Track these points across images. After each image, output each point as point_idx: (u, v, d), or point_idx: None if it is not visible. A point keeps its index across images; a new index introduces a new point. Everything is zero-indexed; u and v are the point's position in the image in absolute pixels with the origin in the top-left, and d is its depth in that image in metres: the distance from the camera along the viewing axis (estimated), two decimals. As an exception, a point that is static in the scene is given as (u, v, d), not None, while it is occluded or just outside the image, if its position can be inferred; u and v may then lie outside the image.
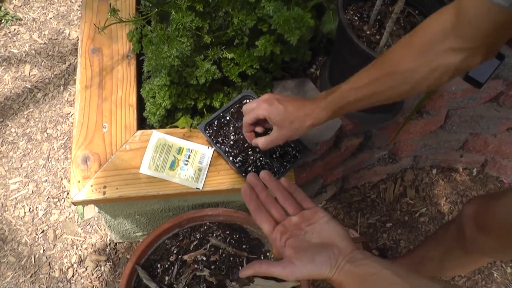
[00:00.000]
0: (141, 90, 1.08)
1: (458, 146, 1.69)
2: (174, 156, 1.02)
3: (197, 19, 0.87)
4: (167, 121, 1.12)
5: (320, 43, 1.33)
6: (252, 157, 1.01)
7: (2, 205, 1.56)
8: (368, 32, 1.07)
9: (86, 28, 1.16)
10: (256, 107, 0.91)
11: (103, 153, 1.01)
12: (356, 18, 1.06)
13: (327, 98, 0.84)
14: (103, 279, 1.47)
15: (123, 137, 1.03)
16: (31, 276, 1.46)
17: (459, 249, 1.10)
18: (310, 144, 1.12)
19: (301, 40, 1.07)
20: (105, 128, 1.04)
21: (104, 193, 0.97)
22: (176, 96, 1.04)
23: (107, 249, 1.51)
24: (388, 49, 0.76)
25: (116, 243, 1.52)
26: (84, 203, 0.98)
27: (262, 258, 1.17)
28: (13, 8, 1.96)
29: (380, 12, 1.05)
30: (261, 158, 1.01)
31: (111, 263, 1.49)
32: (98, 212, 1.18)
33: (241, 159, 1.00)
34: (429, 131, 1.56)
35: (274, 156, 1.02)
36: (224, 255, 1.16)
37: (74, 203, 0.97)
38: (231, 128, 1.04)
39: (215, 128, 1.04)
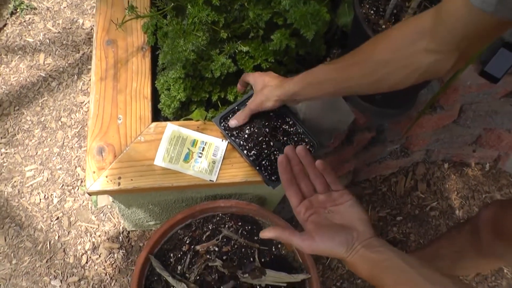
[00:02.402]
0: (155, 82, 1.08)
1: (471, 140, 1.68)
2: (189, 149, 1.03)
3: (213, 13, 0.88)
4: (182, 113, 1.13)
5: (334, 35, 1.32)
6: (266, 151, 1.01)
7: (18, 191, 1.59)
8: (384, 26, 1.06)
9: (101, 20, 1.17)
10: (251, 73, 0.99)
11: (118, 144, 1.02)
12: (372, 11, 1.06)
13: (303, 73, 0.86)
14: (116, 266, 1.50)
15: (137, 129, 1.04)
16: (46, 262, 1.50)
17: (473, 251, 1.10)
18: (324, 138, 1.12)
19: (316, 34, 1.07)
20: (120, 119, 1.05)
21: (119, 184, 0.98)
22: (191, 89, 1.05)
23: (120, 237, 1.54)
24: (367, 41, 0.77)
25: (129, 231, 1.54)
26: (99, 193, 0.99)
27: (274, 249, 1.19)
28: (28, -4, 1.97)
29: (397, 6, 1.04)
30: (275, 152, 1.02)
31: (124, 251, 1.52)
32: (112, 201, 1.20)
33: (255, 152, 1.01)
34: (442, 125, 1.55)
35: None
36: (236, 246, 1.17)
37: (90, 194, 0.99)
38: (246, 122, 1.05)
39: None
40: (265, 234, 0.74)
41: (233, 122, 1.01)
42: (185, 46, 0.85)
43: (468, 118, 1.55)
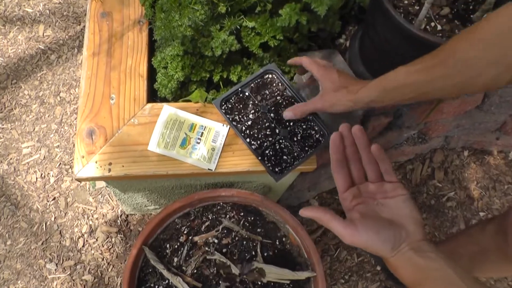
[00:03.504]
0: (152, 59, 0.99)
1: (495, 127, 1.56)
2: (186, 133, 0.94)
3: (214, -17, 0.77)
4: (181, 93, 1.03)
5: (351, 11, 1.20)
6: (271, 139, 0.92)
7: (14, 169, 1.53)
8: (406, 2, 0.95)
9: (95, -12, 1.07)
10: (314, 61, 0.89)
11: (110, 127, 0.93)
12: (394, -15, 0.94)
13: (378, 78, 0.78)
14: (113, 251, 1.43)
15: (131, 110, 0.95)
16: (42, 244, 1.44)
17: (497, 253, 1.00)
18: (335, 125, 1.02)
19: (330, 9, 0.96)
20: (112, 99, 0.96)
21: (109, 170, 0.90)
22: (190, 68, 0.95)
23: (118, 221, 1.47)
24: (447, 41, 0.68)
25: (127, 215, 1.48)
26: (88, 180, 0.91)
27: (278, 243, 1.11)
28: (28, -37, 1.87)
29: (422, -21, 0.93)
30: (280, 141, 0.92)
31: (122, 235, 1.45)
32: (106, 186, 1.12)
33: (258, 140, 0.91)
34: (464, 111, 1.43)
35: (295, 139, 0.93)
36: (237, 238, 1.10)
37: (78, 180, 0.91)
38: (250, 105, 0.95)
39: (232, 104, 0.95)
40: (305, 212, 0.67)
41: (288, 114, 0.91)
42: (180, 21, 0.75)
43: (493, 104, 1.43)
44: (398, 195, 0.65)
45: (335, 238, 1.49)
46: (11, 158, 1.54)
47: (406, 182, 1.59)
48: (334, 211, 0.63)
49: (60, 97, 1.63)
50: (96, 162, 0.91)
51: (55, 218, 1.47)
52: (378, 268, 1.47)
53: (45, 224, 1.46)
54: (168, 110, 0.96)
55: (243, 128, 0.92)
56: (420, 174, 1.61)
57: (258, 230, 1.11)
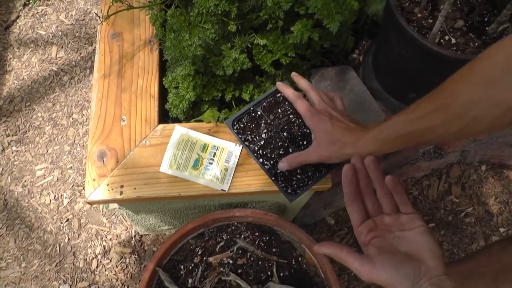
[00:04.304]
0: (163, 79, 0.98)
1: (513, 141, 1.53)
2: (198, 154, 0.93)
3: (224, 2, 0.76)
4: (193, 113, 1.02)
5: (364, 25, 1.19)
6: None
7: (28, 191, 1.53)
8: (419, 15, 0.93)
9: (105, 10, 1.07)
10: (308, 110, 0.85)
11: (121, 149, 0.93)
12: (407, -1, 0.93)
13: (378, 127, 0.73)
14: (127, 272, 1.42)
15: (142, 132, 0.95)
16: (56, 265, 1.43)
17: None
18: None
19: (342, 25, 0.95)
20: (123, 121, 0.95)
21: (121, 193, 0.89)
22: (201, 87, 0.95)
23: (132, 241, 1.46)
24: (445, 81, 0.65)
25: (141, 235, 1.46)
26: (100, 203, 0.90)
27: (294, 262, 1.08)
28: (41, -13, 1.90)
29: (435, -7, 0.91)
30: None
31: (136, 256, 1.44)
32: (119, 207, 1.11)
33: (272, 160, 0.90)
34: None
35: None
36: (252, 258, 1.07)
37: (89, 203, 0.90)
38: (262, 124, 0.93)
39: (244, 124, 0.93)
40: (321, 249, 0.66)
41: (283, 165, 0.86)
42: (190, 41, 0.74)
43: (511, 117, 1.40)
44: (415, 227, 0.63)
45: (351, 256, 1.46)
46: (25, 181, 1.54)
47: (422, 198, 1.56)
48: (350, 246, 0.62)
49: (72, 119, 1.64)
50: (107, 185, 0.90)
51: (68, 239, 1.46)
52: (397, 287, 1.43)
53: (59, 245, 1.45)
54: (180, 130, 0.95)
55: (256, 148, 0.91)
56: (437, 189, 1.58)
57: (274, 250, 1.08)
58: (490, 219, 1.55)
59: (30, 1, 1.85)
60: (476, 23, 0.91)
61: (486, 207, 1.56)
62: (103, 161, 0.91)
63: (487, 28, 0.89)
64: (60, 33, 1.79)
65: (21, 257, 1.44)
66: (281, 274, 1.06)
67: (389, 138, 0.72)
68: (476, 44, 0.89)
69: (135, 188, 0.90)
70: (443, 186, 1.58)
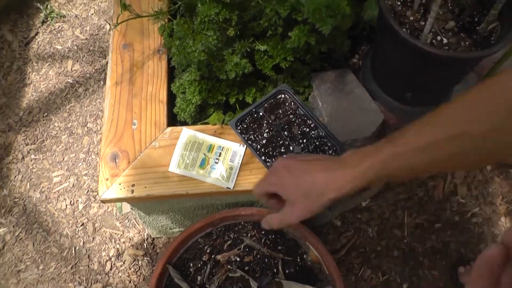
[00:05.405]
0: (171, 85, 1.04)
1: (516, 140, 1.54)
2: (205, 154, 0.98)
3: (224, 10, 0.82)
4: (200, 116, 1.08)
5: (363, 31, 1.24)
6: (285, 156, 0.95)
7: (46, 197, 1.60)
8: (411, 18, 0.98)
9: (115, 19, 1.14)
10: (263, 182, 0.71)
11: (132, 150, 0.98)
12: (399, 3, 0.97)
13: (363, 165, 0.61)
14: (140, 274, 1.47)
15: (152, 134, 1.00)
16: (71, 268, 1.49)
17: None
18: (349, 141, 1.04)
19: (337, 29, 1.00)
20: (134, 125, 1.01)
21: (132, 191, 0.95)
22: (207, 92, 1.00)
23: (145, 244, 1.51)
24: (447, 103, 0.56)
25: (153, 238, 1.51)
26: (112, 201, 0.96)
27: (299, 260, 1.12)
28: (58, 6, 1.99)
29: (426, -4, 0.96)
30: (294, 157, 0.95)
31: (148, 258, 1.49)
32: (131, 208, 1.17)
33: (273, 158, 0.95)
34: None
35: (308, 155, 0.95)
36: (258, 256, 1.12)
37: (103, 201, 0.95)
38: (264, 124, 0.98)
39: (247, 124, 0.99)
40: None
41: (265, 225, 0.72)
42: (194, 47, 0.80)
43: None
44: None
45: (359, 257, 1.49)
46: (42, 187, 1.61)
47: (428, 198, 1.58)
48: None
49: (87, 128, 1.71)
50: (119, 184, 0.95)
51: (83, 243, 1.52)
52: (404, 286, 1.45)
53: (74, 248, 1.51)
54: (187, 132, 1.00)
55: (258, 146, 0.96)
56: (442, 190, 1.60)
57: (279, 247, 1.12)
58: (498, 218, 1.56)
59: (48, 18, 1.94)
60: (466, 23, 0.95)
61: (493, 207, 1.58)
62: (116, 162, 0.97)
63: (477, 28, 0.93)
64: (75, 47, 1.88)
65: (39, 260, 1.50)
66: (287, 271, 1.10)
67: (381, 174, 0.60)
68: (467, 43, 0.93)
69: (145, 187, 0.95)
70: (448, 187, 1.60)
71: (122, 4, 0.87)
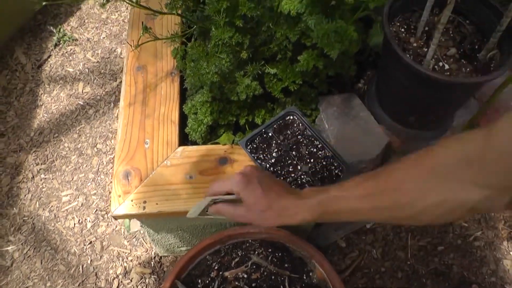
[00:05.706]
0: (183, 106, 1.08)
1: (518, 165, 1.57)
2: (215, 172, 1.02)
3: (237, 34, 0.87)
4: (210, 137, 1.12)
5: (369, 57, 1.29)
6: (293, 175, 0.98)
7: (54, 216, 1.62)
8: (415, 45, 1.02)
9: (131, 40, 1.19)
10: (230, 179, 0.80)
11: (144, 168, 1.02)
12: (403, 30, 1.02)
13: (316, 198, 0.72)
14: (146, 293, 1.48)
15: (164, 153, 1.04)
16: (78, 285, 1.50)
17: None
18: (354, 163, 1.08)
19: (345, 54, 1.04)
20: (147, 144, 1.05)
21: (144, 208, 0.97)
22: (218, 112, 1.04)
23: (152, 262, 1.52)
24: (393, 163, 0.64)
25: (161, 257, 1.53)
26: (124, 217, 0.99)
27: (305, 277, 1.14)
28: (70, 29, 2.06)
29: (428, 23, 1.01)
30: (302, 177, 0.98)
31: (155, 276, 1.50)
32: (141, 226, 1.19)
33: (282, 177, 0.98)
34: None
35: (317, 177, 0.99)
36: (265, 273, 1.13)
37: (115, 217, 0.98)
38: (273, 144, 1.02)
39: (257, 144, 1.02)
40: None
41: (212, 210, 0.85)
42: (208, 69, 0.85)
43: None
44: None
45: (363, 277, 1.50)
46: (52, 206, 1.64)
47: (432, 221, 1.60)
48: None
49: (97, 149, 1.75)
50: (131, 201, 0.98)
51: (91, 260, 1.54)
52: (408, 308, 1.46)
53: (82, 266, 1.53)
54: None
55: (267, 165, 0.99)
56: (446, 213, 1.62)
57: (286, 265, 1.14)
58: (500, 242, 1.58)
59: (61, 42, 2.00)
60: (467, 50, 1.00)
61: (495, 231, 1.60)
62: (128, 179, 1.01)
63: (478, 55, 0.98)
64: (86, 70, 1.94)
65: (47, 277, 1.51)
66: (293, 289, 1.12)
67: (328, 211, 0.70)
68: (468, 69, 0.97)
69: (157, 204, 0.98)
70: (451, 210, 1.62)
71: (144, 27, 0.92)
